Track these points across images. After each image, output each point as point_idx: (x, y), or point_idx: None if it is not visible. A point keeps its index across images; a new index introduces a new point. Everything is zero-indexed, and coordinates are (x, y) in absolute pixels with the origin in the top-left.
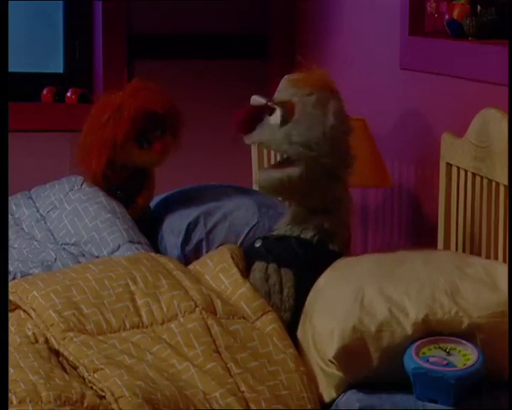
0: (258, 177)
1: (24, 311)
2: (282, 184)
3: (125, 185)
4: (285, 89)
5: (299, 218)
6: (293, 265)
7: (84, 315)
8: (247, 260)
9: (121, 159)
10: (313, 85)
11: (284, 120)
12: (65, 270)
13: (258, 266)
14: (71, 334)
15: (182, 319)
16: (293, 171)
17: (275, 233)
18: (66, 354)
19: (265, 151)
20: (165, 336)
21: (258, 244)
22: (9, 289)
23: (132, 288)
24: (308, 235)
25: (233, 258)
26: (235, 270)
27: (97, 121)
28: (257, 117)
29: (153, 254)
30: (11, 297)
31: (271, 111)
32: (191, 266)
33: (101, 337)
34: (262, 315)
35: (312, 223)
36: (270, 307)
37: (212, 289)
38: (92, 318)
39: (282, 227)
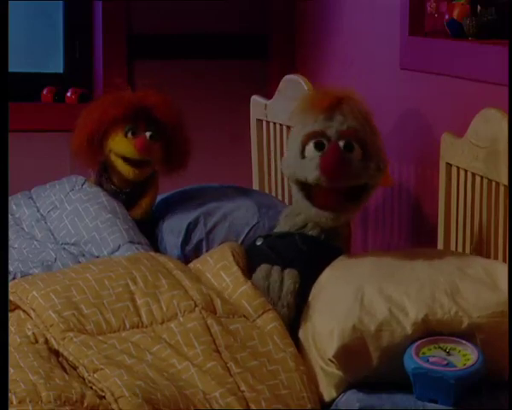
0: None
1: (24, 311)
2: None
3: (129, 190)
4: (324, 118)
5: (305, 215)
6: (296, 261)
7: (84, 315)
8: (248, 258)
9: (104, 140)
10: (344, 101)
11: (368, 154)
12: (65, 270)
13: (262, 266)
14: (71, 334)
15: (181, 319)
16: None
17: (277, 231)
18: (65, 354)
19: (265, 152)
20: (165, 335)
21: (259, 242)
22: (9, 289)
23: (132, 288)
24: (313, 232)
25: (234, 256)
26: (235, 268)
27: (95, 105)
28: (343, 161)
29: (152, 253)
30: (11, 297)
31: (348, 148)
32: (191, 265)
33: (100, 337)
34: (263, 313)
35: (318, 220)
36: (270, 305)
37: (213, 287)
38: (92, 318)
39: (286, 225)
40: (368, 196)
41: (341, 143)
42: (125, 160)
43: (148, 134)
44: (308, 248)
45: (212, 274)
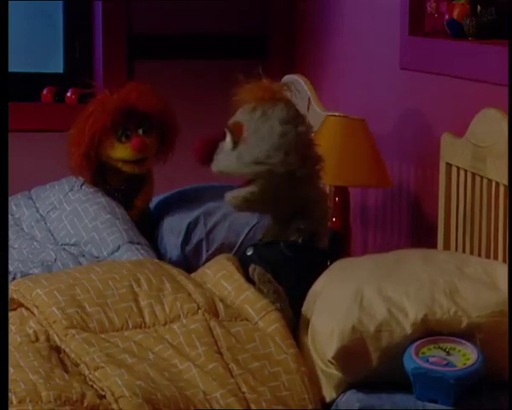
0: (226, 197)
1: (26, 309)
2: (248, 201)
3: (123, 187)
4: (238, 111)
5: (281, 223)
6: (285, 267)
7: (87, 313)
8: (241, 268)
9: (100, 151)
10: (256, 99)
11: (234, 143)
12: (69, 270)
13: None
14: (73, 331)
15: (184, 321)
16: (253, 188)
17: (264, 240)
18: (67, 350)
19: None
20: (168, 336)
21: (249, 252)
22: (12, 287)
23: (136, 289)
24: (293, 237)
25: (234, 265)
26: (238, 276)
27: (83, 114)
28: (213, 146)
29: (156, 260)
30: (14, 295)
31: (224, 136)
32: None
33: (103, 336)
34: (265, 315)
35: (293, 226)
36: (274, 307)
37: (215, 294)
38: (95, 316)
39: (269, 233)
40: (263, 185)
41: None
42: (125, 161)
43: (140, 131)
44: (293, 253)
45: (213, 284)
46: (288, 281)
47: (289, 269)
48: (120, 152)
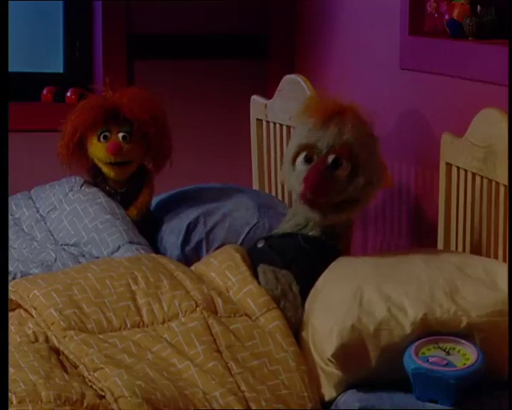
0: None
1: (25, 310)
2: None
3: (123, 189)
4: (318, 129)
5: (309, 218)
6: (298, 259)
7: (85, 314)
8: (250, 261)
9: (82, 147)
10: (344, 113)
11: (356, 170)
12: (66, 270)
13: (265, 268)
14: (71, 332)
15: (183, 319)
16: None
17: (279, 232)
18: (66, 352)
19: (265, 152)
20: (166, 335)
21: (260, 244)
22: (10, 288)
23: (133, 288)
24: (314, 232)
25: (241, 256)
26: (244, 268)
27: (70, 115)
28: (328, 179)
29: (154, 254)
30: (12, 296)
31: (335, 164)
32: (193, 267)
33: (101, 336)
34: (266, 312)
35: (323, 223)
36: (276, 305)
37: (215, 287)
38: (93, 316)
39: (287, 226)
40: (357, 209)
41: (330, 158)
42: (104, 163)
43: (120, 135)
44: (310, 247)
45: (217, 273)
46: (300, 271)
47: (303, 263)
48: (98, 151)
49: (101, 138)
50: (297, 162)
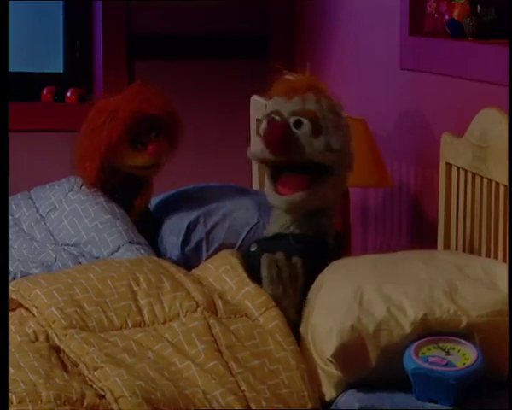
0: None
1: (26, 309)
2: (302, 206)
3: (122, 188)
4: (283, 99)
5: (298, 217)
6: (292, 257)
7: (87, 313)
8: (245, 265)
9: (116, 162)
10: (311, 90)
11: (315, 131)
12: (67, 270)
13: (264, 255)
14: (72, 331)
15: (184, 319)
16: (309, 192)
17: (268, 234)
18: (67, 351)
19: None
20: (167, 334)
21: (253, 249)
22: (11, 287)
23: (135, 288)
24: (303, 230)
25: (238, 259)
26: (240, 270)
27: (92, 125)
28: (288, 134)
29: (155, 257)
30: (13, 296)
31: (297, 124)
32: (191, 272)
33: (102, 335)
34: (265, 311)
35: (312, 220)
36: (274, 303)
37: (215, 290)
38: (94, 315)
39: (274, 227)
40: (330, 182)
41: (292, 120)
42: (142, 168)
43: (153, 135)
44: (303, 246)
45: (214, 278)
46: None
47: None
48: (137, 160)
49: (139, 146)
50: (261, 128)
